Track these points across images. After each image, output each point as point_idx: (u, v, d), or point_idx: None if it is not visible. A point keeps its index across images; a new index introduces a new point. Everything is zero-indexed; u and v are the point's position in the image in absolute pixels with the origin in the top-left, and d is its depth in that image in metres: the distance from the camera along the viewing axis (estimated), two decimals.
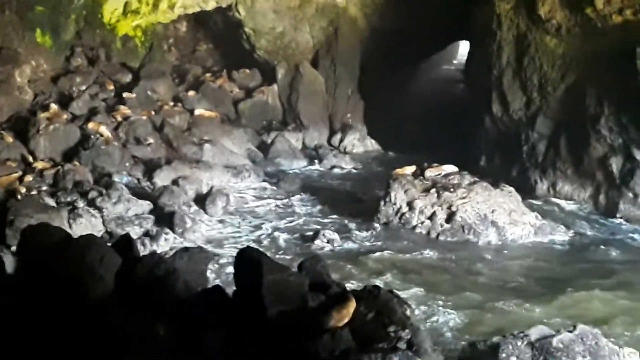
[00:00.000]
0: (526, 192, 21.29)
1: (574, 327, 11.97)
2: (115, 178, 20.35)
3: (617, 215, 19.95)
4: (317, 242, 17.55)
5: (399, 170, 19.94)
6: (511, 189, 19.54)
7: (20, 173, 19.75)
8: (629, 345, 12.43)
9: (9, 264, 11.97)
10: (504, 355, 11.46)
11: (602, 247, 18.12)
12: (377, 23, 28.71)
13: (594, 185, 20.93)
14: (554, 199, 21.48)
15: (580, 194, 21.20)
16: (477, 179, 19.67)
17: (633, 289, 15.65)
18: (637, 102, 19.14)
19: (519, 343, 11.63)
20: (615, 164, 20.25)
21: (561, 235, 18.65)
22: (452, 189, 18.78)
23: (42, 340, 8.09)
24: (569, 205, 21.08)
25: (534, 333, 11.89)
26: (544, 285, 15.83)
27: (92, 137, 21.73)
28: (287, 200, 21.35)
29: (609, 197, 20.48)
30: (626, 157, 20.08)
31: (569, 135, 21.46)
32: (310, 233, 18.29)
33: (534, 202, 20.91)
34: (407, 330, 8.52)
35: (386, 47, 27.84)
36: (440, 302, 14.57)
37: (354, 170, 25.29)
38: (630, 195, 19.93)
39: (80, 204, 18.21)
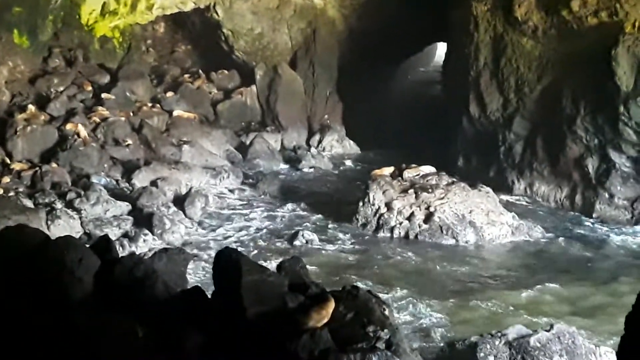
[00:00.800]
0: (503, 192, 21.46)
1: (551, 326, 12.11)
2: (94, 179, 20.27)
3: (594, 215, 20.14)
4: (296, 242, 17.61)
5: (377, 171, 20.02)
6: (489, 189, 19.69)
7: None
8: (603, 342, 12.60)
9: None
10: (482, 354, 11.57)
11: (578, 246, 18.31)
12: (355, 24, 28.79)
13: (571, 185, 21.10)
14: (531, 199, 21.65)
15: (556, 194, 21.37)
16: (455, 179, 19.80)
17: (609, 287, 15.83)
18: (612, 103, 19.32)
19: (497, 342, 11.74)
20: (591, 164, 20.45)
21: (538, 235, 18.80)
22: (430, 190, 18.87)
23: (21, 342, 8.07)
24: (545, 206, 21.24)
25: (512, 332, 12.01)
26: (520, 284, 15.96)
27: (70, 138, 21.65)
28: (265, 200, 21.37)
29: (585, 197, 20.66)
30: (602, 157, 20.26)
31: (546, 136, 21.63)
32: (289, 233, 18.33)
33: (512, 202, 21.06)
34: (385, 330, 8.57)
35: (364, 48, 27.91)
36: (418, 303, 14.66)
37: (332, 171, 25.33)
38: (606, 195, 20.12)
39: (59, 205, 18.16)
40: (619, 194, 19.99)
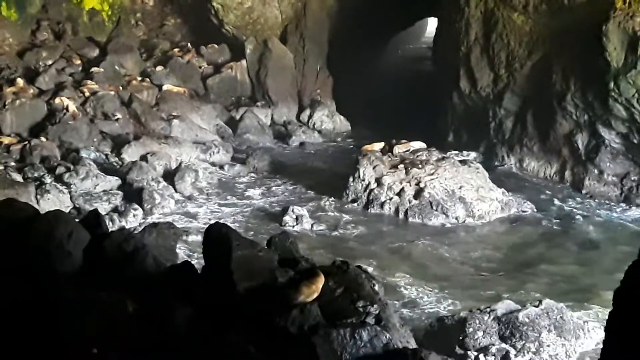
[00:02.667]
0: (493, 168, 21.48)
1: (540, 302, 12.19)
2: (83, 153, 20.22)
3: (583, 191, 20.21)
4: (286, 218, 17.58)
5: (367, 147, 20.02)
6: (478, 165, 19.72)
7: None
8: (589, 317, 12.70)
9: None
10: (470, 329, 11.64)
11: (567, 222, 18.36)
12: None
13: (560, 161, 21.16)
14: (521, 175, 21.69)
15: (546, 169, 21.43)
16: (445, 155, 19.80)
17: (595, 263, 15.92)
18: (602, 79, 19.31)
19: (486, 318, 11.81)
20: (581, 140, 20.50)
21: (527, 211, 18.85)
22: (420, 166, 18.88)
23: (10, 316, 8.06)
24: (535, 181, 21.29)
25: (501, 308, 12.08)
26: (509, 260, 16.03)
27: (59, 112, 21.55)
28: (255, 176, 21.36)
29: (575, 173, 20.72)
30: (591, 133, 20.31)
31: (536, 112, 21.65)
32: (279, 209, 18.33)
33: (502, 177, 21.10)
34: (375, 306, 8.59)
35: (355, 23, 27.79)
36: (406, 278, 14.73)
37: (323, 147, 25.32)
38: (596, 171, 20.19)
39: (48, 179, 18.12)
40: (609, 170, 20.06)
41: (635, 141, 19.65)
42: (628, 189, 19.83)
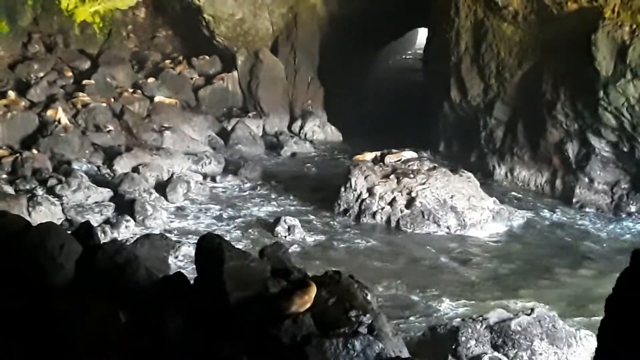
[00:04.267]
0: (485, 177, 21.56)
1: (532, 310, 12.21)
2: (75, 165, 20.20)
3: (573, 200, 20.27)
4: (278, 228, 17.57)
5: (359, 157, 20.05)
6: (470, 174, 19.77)
7: None
8: (579, 324, 12.72)
9: None
10: (463, 338, 11.64)
11: (558, 231, 18.43)
12: (336, 10, 28.72)
13: (551, 170, 21.24)
14: (512, 184, 21.75)
15: (537, 179, 21.50)
16: (436, 164, 19.85)
17: (584, 272, 15.97)
18: (592, 88, 19.41)
19: (478, 326, 11.82)
20: (571, 149, 20.59)
21: (519, 220, 18.92)
22: (411, 175, 18.92)
23: (2, 328, 8.05)
24: (526, 190, 21.36)
25: (493, 316, 12.10)
26: (501, 268, 16.07)
27: (50, 124, 21.54)
28: (247, 187, 21.36)
29: (565, 182, 20.80)
30: (582, 142, 20.40)
31: (526, 121, 21.74)
32: (271, 220, 18.33)
33: (493, 187, 21.16)
34: (368, 315, 8.60)
35: (346, 33, 27.88)
36: (399, 287, 14.75)
37: (314, 157, 25.35)
38: (586, 180, 20.27)
39: (40, 191, 18.09)
40: (599, 179, 20.14)
41: (625, 149, 19.74)
42: (618, 197, 19.91)
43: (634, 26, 18.81)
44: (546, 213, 19.70)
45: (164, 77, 27.03)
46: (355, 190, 18.97)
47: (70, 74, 25.42)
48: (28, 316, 8.16)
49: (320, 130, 27.77)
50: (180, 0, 28.49)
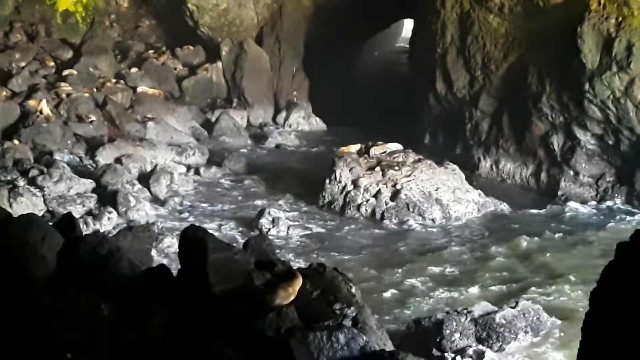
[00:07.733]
0: (470, 169, 21.53)
1: (516, 303, 12.22)
2: (57, 156, 20.01)
3: (559, 193, 20.26)
4: (262, 220, 17.47)
5: (343, 149, 19.97)
6: (455, 166, 19.74)
7: None
8: (563, 315, 12.72)
9: None
10: (447, 331, 11.63)
11: (544, 223, 18.41)
12: (322, 1, 28.63)
13: (536, 163, 21.22)
14: (497, 177, 21.75)
15: (522, 171, 21.48)
16: (421, 157, 19.80)
17: (571, 263, 15.95)
18: (577, 80, 19.42)
19: (463, 319, 11.81)
20: (557, 141, 20.58)
21: (504, 212, 18.90)
22: (396, 167, 18.87)
23: None
24: (511, 183, 21.36)
25: (477, 309, 12.10)
26: (486, 261, 16.03)
27: (32, 114, 21.36)
28: (231, 178, 21.26)
29: (551, 174, 20.80)
30: (567, 135, 20.40)
31: (512, 114, 21.72)
32: (255, 211, 18.22)
33: (478, 179, 21.14)
34: (352, 308, 8.56)
35: (331, 24, 27.77)
36: (383, 280, 14.70)
37: (299, 149, 25.26)
38: (571, 172, 20.27)
39: (21, 182, 17.91)
40: (584, 172, 20.14)
41: (610, 142, 19.76)
42: (603, 190, 19.92)
43: (620, 19, 18.82)
44: (531, 205, 19.65)
45: (147, 68, 26.87)
46: (340, 182, 18.89)
47: (52, 63, 25.24)
48: (10, 309, 8.06)
49: (305, 121, 27.70)
50: None
